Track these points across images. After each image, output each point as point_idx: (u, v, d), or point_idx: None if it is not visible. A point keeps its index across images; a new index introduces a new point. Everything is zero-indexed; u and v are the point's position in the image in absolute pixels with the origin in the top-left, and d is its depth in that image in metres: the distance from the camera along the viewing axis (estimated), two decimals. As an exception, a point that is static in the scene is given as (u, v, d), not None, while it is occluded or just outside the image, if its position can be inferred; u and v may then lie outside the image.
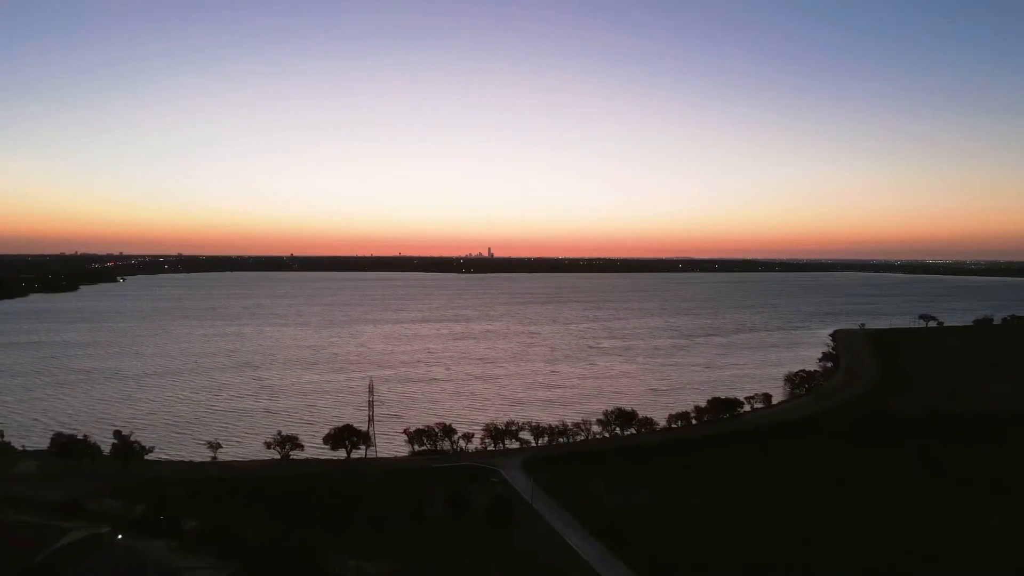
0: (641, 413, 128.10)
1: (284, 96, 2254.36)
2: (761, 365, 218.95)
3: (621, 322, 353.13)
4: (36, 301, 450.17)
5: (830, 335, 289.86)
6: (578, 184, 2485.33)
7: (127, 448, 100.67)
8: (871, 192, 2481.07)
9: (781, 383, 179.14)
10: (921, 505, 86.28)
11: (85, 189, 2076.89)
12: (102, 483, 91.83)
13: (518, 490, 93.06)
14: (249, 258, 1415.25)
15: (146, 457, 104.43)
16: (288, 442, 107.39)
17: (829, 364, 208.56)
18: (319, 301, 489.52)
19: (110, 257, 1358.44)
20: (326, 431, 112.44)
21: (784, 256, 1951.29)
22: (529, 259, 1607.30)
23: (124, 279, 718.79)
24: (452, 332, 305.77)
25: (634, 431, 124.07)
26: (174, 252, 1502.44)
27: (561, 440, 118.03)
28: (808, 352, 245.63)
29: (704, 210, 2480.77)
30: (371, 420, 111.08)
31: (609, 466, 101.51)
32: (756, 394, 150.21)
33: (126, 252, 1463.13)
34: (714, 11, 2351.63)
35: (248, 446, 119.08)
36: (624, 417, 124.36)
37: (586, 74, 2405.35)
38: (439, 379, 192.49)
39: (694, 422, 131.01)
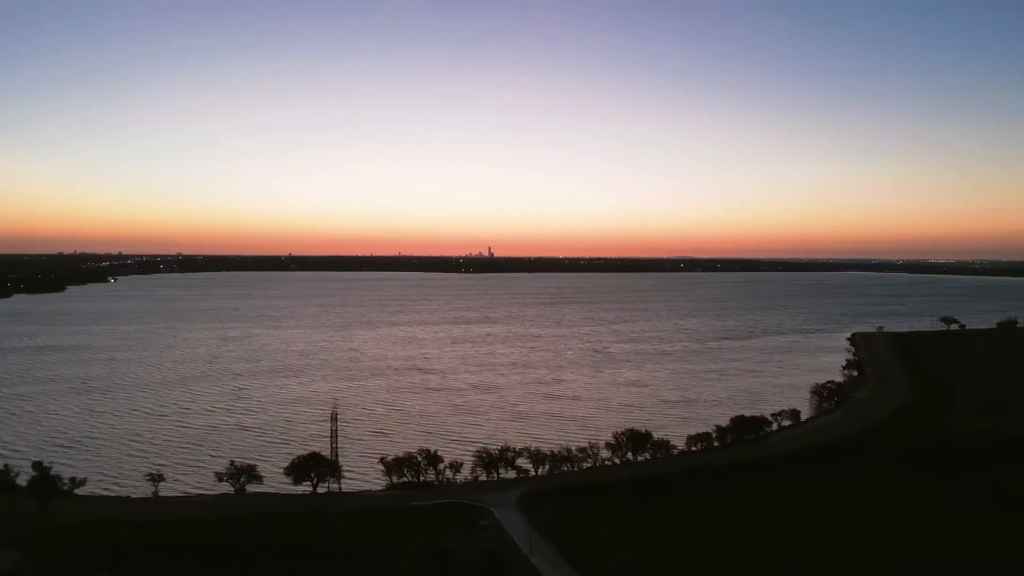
0: (655, 433, 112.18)
1: (284, 96, 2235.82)
2: (780, 372, 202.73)
3: (627, 325, 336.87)
4: (17, 302, 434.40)
5: (848, 338, 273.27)
6: (578, 184, 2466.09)
7: (47, 483, 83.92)
8: (872, 191, 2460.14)
9: (806, 395, 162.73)
10: (1009, 559, 69.75)
11: (86, 189, 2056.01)
12: (9, 527, 75.85)
13: (514, 537, 76.80)
14: (248, 258, 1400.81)
15: (77, 491, 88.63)
16: (244, 473, 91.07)
17: (854, 372, 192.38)
18: (315, 302, 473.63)
19: (109, 257, 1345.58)
20: (295, 456, 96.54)
21: (786, 256, 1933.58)
22: (530, 259, 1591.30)
23: (116, 279, 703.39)
24: (450, 336, 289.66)
25: (648, 456, 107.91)
26: (174, 252, 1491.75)
27: (565, 468, 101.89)
28: (828, 358, 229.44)
29: (704, 209, 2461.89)
30: (335, 452, 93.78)
31: (622, 505, 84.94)
32: (783, 410, 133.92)
33: (126, 252, 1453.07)
34: (716, 11, 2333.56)
35: (203, 475, 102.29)
36: (637, 440, 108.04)
37: (585, 74, 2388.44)
38: (433, 388, 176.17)
39: (716, 444, 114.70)
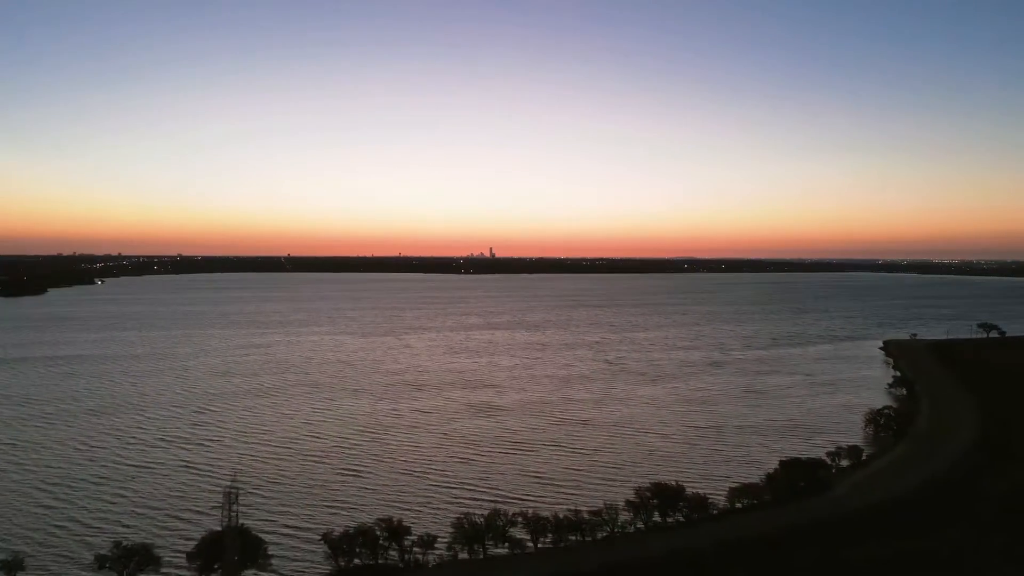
0: (688, 485, 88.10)
1: (284, 97, 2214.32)
2: (816, 389, 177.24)
3: (640, 332, 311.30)
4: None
5: (881, 347, 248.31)
6: (579, 184, 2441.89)
7: None
8: (873, 191, 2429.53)
9: (854, 418, 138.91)
10: None
11: (87, 190, 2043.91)
12: None
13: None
14: (245, 259, 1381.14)
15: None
16: (135, 557, 66.72)
17: (902, 390, 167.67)
18: (306, 306, 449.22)
19: (108, 258, 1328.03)
20: (206, 532, 71.81)
21: (789, 256, 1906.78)
22: (531, 259, 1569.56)
23: (103, 281, 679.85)
24: (448, 345, 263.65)
25: (682, 517, 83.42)
26: (174, 253, 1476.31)
27: (573, 538, 77.37)
28: (867, 371, 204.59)
29: (705, 209, 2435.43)
30: (232, 533, 66.52)
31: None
32: (839, 447, 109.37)
33: (126, 253, 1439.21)
34: (719, 10, 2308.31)
35: (80, 559, 75.16)
36: (666, 497, 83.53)
37: (585, 73, 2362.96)
38: (421, 412, 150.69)
39: (766, 498, 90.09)
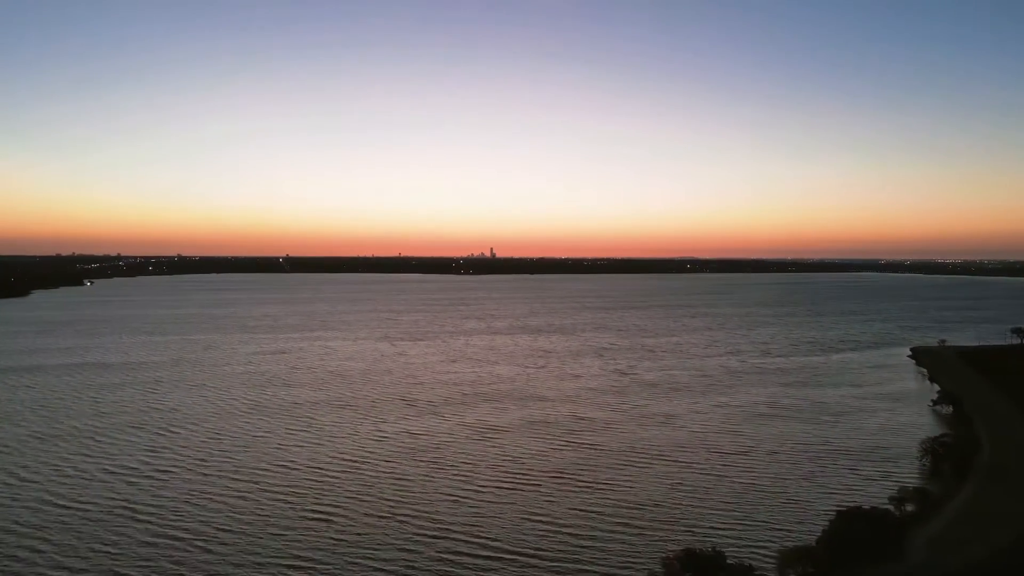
0: (723, 537, 71.17)
1: (284, 98, 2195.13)
2: (851, 405, 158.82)
3: (650, 338, 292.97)
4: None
5: (910, 355, 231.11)
6: (580, 184, 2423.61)
7: None
8: (875, 191, 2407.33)
9: (905, 445, 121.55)
10: None
11: (88, 191, 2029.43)
12: None
13: None
14: (244, 259, 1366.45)
15: None
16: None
17: (948, 408, 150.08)
18: (302, 309, 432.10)
19: (106, 259, 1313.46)
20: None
21: (788, 256, 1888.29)
22: (532, 259, 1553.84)
23: (91, 283, 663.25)
24: (444, 352, 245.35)
25: (724, 595, 66.20)
26: (174, 253, 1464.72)
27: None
28: (903, 384, 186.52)
29: (704, 209, 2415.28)
30: None
31: None
32: (902, 488, 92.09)
33: (125, 253, 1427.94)
34: (722, 10, 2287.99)
35: None
36: (701, 568, 66.30)
37: (585, 73, 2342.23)
38: (408, 434, 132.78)
39: (824, 563, 72.71)
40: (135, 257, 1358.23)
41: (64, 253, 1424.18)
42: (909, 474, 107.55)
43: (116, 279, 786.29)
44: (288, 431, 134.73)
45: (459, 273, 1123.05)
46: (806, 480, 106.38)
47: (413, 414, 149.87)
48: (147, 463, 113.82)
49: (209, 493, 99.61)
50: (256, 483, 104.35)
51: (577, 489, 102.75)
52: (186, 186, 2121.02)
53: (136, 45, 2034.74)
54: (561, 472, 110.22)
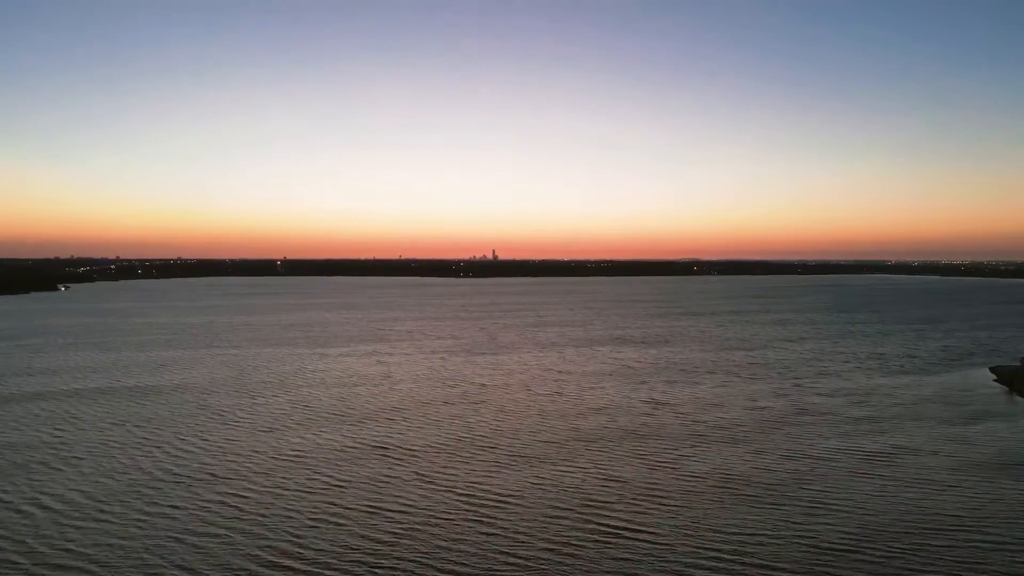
0: None
1: (283, 98, 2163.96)
2: (963, 451, 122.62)
3: (673, 350, 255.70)
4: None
5: (994, 379, 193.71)
6: (581, 184, 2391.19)
7: None
8: (877, 191, 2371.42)
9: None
10: None
11: (87, 192, 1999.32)
12: None
13: None
14: (239, 262, 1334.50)
15: None
16: None
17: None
18: (283, 319, 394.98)
19: (104, 261, 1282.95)
20: None
21: (795, 257, 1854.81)
22: (535, 262, 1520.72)
23: (67, 287, 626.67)
24: (443, 374, 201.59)
25: None
26: (174, 256, 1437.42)
27: None
28: (1003, 421, 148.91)
29: (708, 210, 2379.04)
30: None
31: None
32: None
33: (125, 256, 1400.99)
34: (724, 10, 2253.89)
35: None
36: None
37: (586, 73, 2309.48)
38: (386, 506, 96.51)
39: None
40: (134, 260, 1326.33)
41: (62, 256, 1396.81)
42: None
43: (100, 283, 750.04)
44: (205, 503, 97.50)
45: (458, 276, 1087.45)
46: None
47: (390, 457, 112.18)
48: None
49: None
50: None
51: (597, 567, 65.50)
52: (187, 189, 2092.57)
53: (138, 52, 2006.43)
54: (572, 552, 73.12)
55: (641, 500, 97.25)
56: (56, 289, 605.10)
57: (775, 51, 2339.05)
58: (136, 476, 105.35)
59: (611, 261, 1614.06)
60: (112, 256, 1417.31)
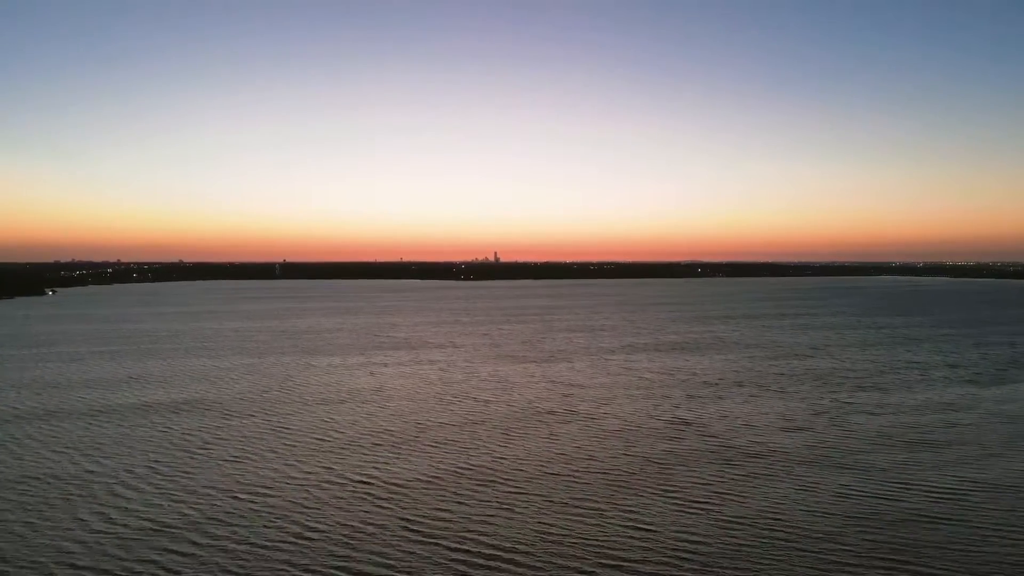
0: None
1: (284, 99, 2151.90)
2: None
3: (693, 358, 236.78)
4: None
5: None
6: (582, 185, 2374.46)
7: None
8: (878, 191, 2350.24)
9: None
10: None
11: (88, 194, 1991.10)
12: None
13: None
14: (238, 265, 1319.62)
15: None
16: None
17: None
18: (273, 326, 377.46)
19: (104, 264, 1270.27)
20: None
21: (796, 259, 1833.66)
22: (537, 264, 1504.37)
23: (54, 291, 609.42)
24: (440, 388, 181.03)
25: None
26: (175, 259, 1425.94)
27: None
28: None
29: (709, 211, 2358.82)
30: None
31: None
32: None
33: (126, 259, 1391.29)
34: (727, 10, 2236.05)
35: None
36: None
37: (587, 74, 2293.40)
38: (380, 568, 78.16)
39: None
40: (133, 263, 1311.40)
41: (63, 259, 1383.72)
42: None
43: (92, 287, 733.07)
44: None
45: (458, 279, 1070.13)
46: None
47: (376, 487, 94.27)
48: None
49: None
50: None
51: None
52: (188, 192, 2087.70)
53: (140, 55, 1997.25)
54: None
55: (672, 555, 78.98)
56: (44, 293, 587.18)
57: (775, 51, 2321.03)
58: (55, 531, 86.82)
59: (614, 263, 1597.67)
60: (113, 260, 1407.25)
